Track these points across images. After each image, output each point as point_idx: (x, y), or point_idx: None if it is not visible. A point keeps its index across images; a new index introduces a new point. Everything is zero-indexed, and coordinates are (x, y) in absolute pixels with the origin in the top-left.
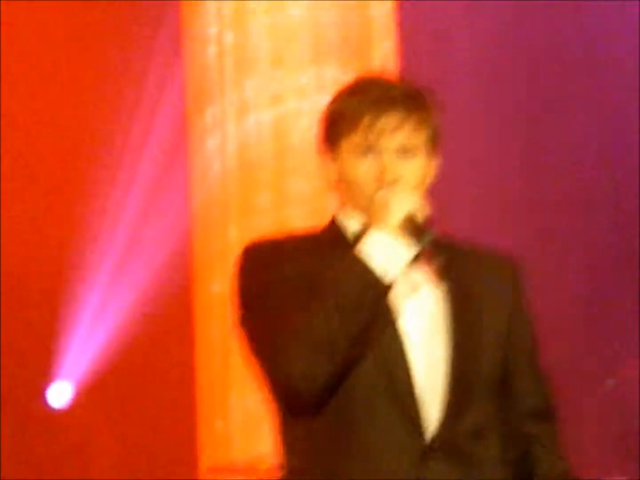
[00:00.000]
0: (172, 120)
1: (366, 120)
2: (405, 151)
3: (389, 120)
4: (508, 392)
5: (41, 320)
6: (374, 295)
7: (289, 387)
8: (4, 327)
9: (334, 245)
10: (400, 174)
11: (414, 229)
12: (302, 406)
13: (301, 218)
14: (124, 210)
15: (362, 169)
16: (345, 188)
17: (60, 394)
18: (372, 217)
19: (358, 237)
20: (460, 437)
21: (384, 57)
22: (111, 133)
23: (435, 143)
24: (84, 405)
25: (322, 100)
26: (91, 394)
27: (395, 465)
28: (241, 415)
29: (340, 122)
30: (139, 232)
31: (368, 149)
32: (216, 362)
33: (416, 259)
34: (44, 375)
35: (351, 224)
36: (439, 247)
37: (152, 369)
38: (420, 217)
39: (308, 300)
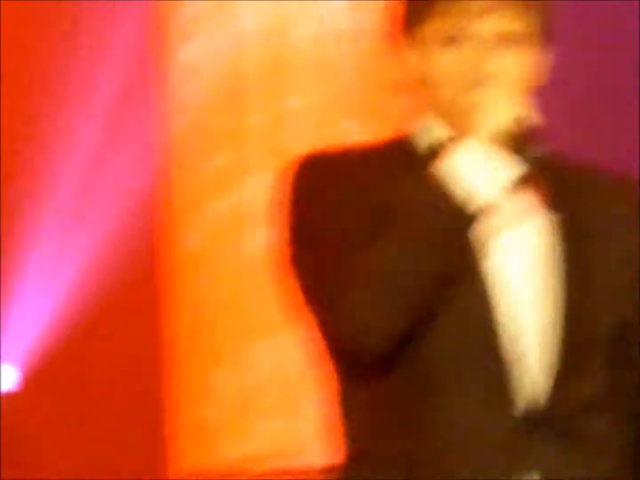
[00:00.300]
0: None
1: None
2: (504, 39)
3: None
4: (628, 360)
5: None
6: (461, 226)
7: (353, 340)
8: None
9: (406, 164)
10: (496, 69)
11: (515, 141)
12: (368, 366)
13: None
14: (74, 148)
15: (446, 61)
16: (424, 88)
17: (4, 378)
18: (458, 126)
19: (437, 152)
20: (571, 413)
21: None
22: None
23: (546, 31)
24: (32, 390)
25: None
26: (40, 377)
27: (490, 449)
28: (221, 403)
29: (419, 5)
30: (92, 179)
31: (453, 35)
32: (189, 338)
33: (517, 181)
34: None
35: (428, 136)
36: (548, 167)
37: (111, 347)
38: (524, 125)
39: (375, 235)
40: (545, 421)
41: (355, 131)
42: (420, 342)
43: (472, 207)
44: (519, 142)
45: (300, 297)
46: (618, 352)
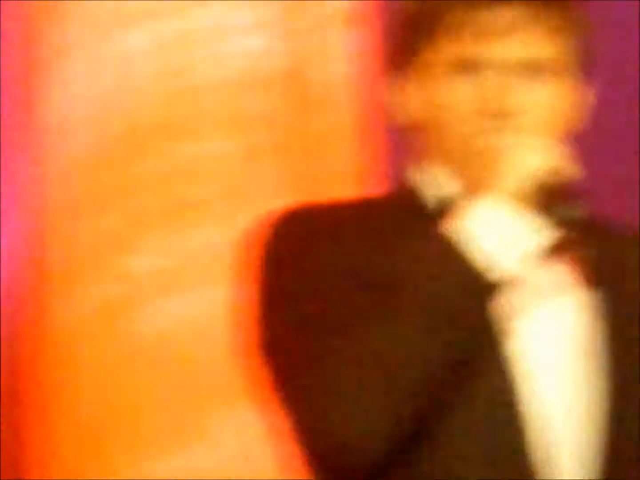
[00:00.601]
0: None
1: (459, 16)
2: (531, 68)
3: (501, 17)
4: None
5: None
6: (479, 301)
7: (346, 450)
8: None
9: (409, 224)
10: (521, 104)
11: (545, 198)
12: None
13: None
14: None
15: (457, 94)
16: (428, 130)
17: None
18: (471, 177)
19: (447, 210)
20: None
21: None
22: None
23: (582, 59)
24: None
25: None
26: None
27: None
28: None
29: (421, 24)
30: None
31: (467, 62)
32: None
33: (548, 248)
34: None
35: (435, 190)
36: (587, 231)
37: None
38: (557, 178)
39: (375, 314)
40: None
41: (267, 186)
42: (428, 448)
43: (491, 279)
44: (550, 199)
45: (269, 390)
46: None
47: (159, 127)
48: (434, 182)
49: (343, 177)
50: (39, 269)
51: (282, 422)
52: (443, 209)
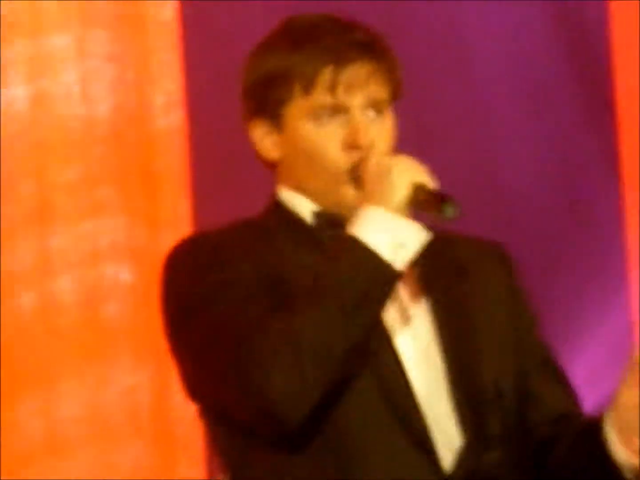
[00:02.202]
0: None
1: (327, 73)
2: (375, 107)
3: (357, 67)
4: (529, 403)
5: None
6: (382, 288)
7: (269, 408)
8: None
9: (290, 229)
10: (376, 135)
11: (427, 201)
12: (284, 434)
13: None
14: None
15: (326, 135)
16: (298, 163)
17: None
18: (367, 192)
19: (327, 220)
20: (482, 464)
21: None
22: None
23: (397, 94)
24: None
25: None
26: None
27: None
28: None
29: (285, 81)
30: None
31: (333, 109)
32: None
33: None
34: None
35: (302, 205)
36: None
37: None
38: (430, 188)
39: (274, 305)
40: (465, 476)
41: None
42: (336, 411)
43: (394, 269)
44: (421, 206)
45: (190, 375)
46: (520, 397)
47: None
48: (303, 202)
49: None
50: None
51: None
52: (322, 221)
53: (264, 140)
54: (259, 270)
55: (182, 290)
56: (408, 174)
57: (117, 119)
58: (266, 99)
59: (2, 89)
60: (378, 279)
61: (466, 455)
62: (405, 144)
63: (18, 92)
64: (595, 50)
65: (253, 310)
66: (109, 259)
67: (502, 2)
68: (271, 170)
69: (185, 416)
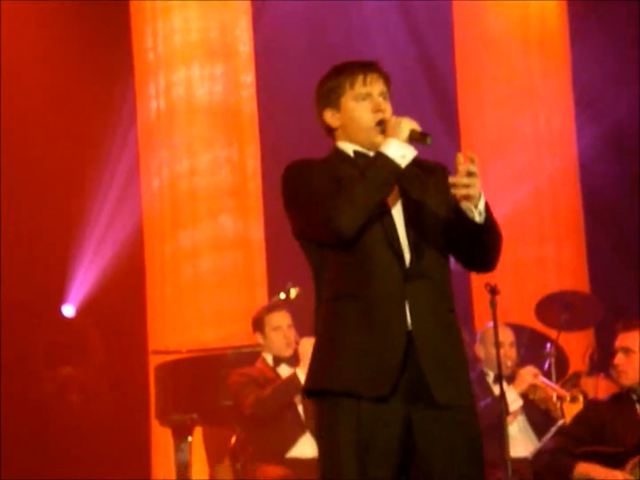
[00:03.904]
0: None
1: (360, 77)
2: (383, 95)
3: (373, 75)
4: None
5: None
6: (395, 175)
7: (338, 230)
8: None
9: (341, 159)
10: (386, 109)
11: (417, 137)
12: (342, 242)
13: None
14: (104, 206)
15: (364, 107)
16: (348, 126)
17: (68, 310)
18: (388, 133)
19: (361, 154)
20: (426, 265)
21: None
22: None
23: (390, 96)
24: (80, 315)
25: None
26: (85, 309)
27: (391, 284)
28: (189, 311)
29: (340, 85)
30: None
31: (365, 95)
32: (167, 273)
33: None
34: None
35: (348, 148)
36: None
37: (118, 292)
38: (418, 130)
39: (340, 183)
40: (415, 271)
41: None
42: (364, 233)
43: (399, 170)
44: (419, 136)
45: (300, 224)
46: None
47: None
48: (350, 146)
49: None
50: None
51: None
52: (359, 154)
53: (332, 118)
54: (329, 178)
55: (291, 184)
56: (409, 124)
57: None
58: (332, 95)
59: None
60: (392, 171)
61: (415, 256)
62: None
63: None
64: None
65: (328, 193)
66: None
67: None
68: (331, 135)
69: None
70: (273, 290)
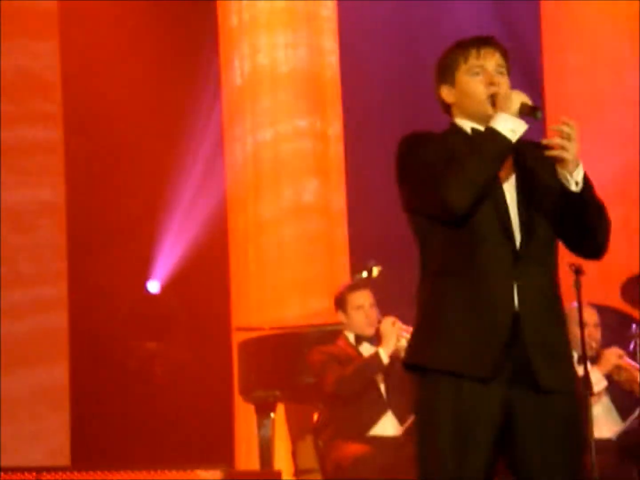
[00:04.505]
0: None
1: (474, 51)
2: (500, 69)
3: (487, 49)
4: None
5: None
6: (506, 149)
7: (449, 206)
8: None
9: (457, 134)
10: (500, 81)
11: (527, 111)
12: (454, 218)
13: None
14: (190, 180)
15: (477, 81)
16: (462, 101)
17: (153, 286)
18: (499, 107)
19: (476, 130)
20: (536, 247)
21: None
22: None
23: (509, 72)
24: (165, 291)
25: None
26: (169, 285)
27: (499, 264)
28: (272, 287)
29: (455, 60)
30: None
31: (478, 69)
32: (250, 251)
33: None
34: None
35: (466, 125)
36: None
37: (202, 268)
38: (530, 104)
39: (453, 158)
40: (525, 253)
41: None
42: (475, 210)
43: (509, 144)
44: (529, 110)
45: (411, 197)
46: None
47: None
48: (466, 122)
49: None
50: None
51: None
52: (475, 130)
53: (447, 94)
54: (444, 153)
55: (406, 157)
56: (519, 97)
57: None
58: (447, 71)
59: None
60: (504, 145)
61: (526, 239)
62: None
63: None
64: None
65: (439, 163)
66: None
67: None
68: (447, 112)
69: None
70: (355, 261)
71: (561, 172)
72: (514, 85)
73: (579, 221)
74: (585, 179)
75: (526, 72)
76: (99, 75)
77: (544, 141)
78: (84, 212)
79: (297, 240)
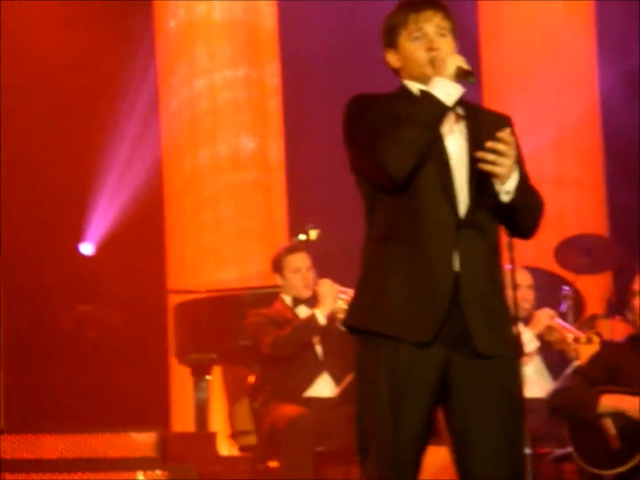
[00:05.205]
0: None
1: (412, 16)
2: (442, 31)
3: (427, 13)
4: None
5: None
6: (441, 114)
7: (388, 173)
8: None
9: (406, 96)
10: (440, 45)
11: (462, 74)
12: (393, 185)
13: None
14: (124, 141)
15: (417, 46)
16: (407, 65)
17: (86, 248)
18: (434, 71)
19: (422, 90)
20: (480, 217)
21: None
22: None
23: (455, 31)
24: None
25: None
26: (104, 247)
27: (442, 231)
28: (208, 248)
29: (396, 25)
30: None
31: (418, 34)
32: (186, 208)
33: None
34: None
35: (414, 87)
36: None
37: (138, 229)
38: (466, 67)
39: (398, 122)
40: (468, 220)
41: None
42: (415, 175)
43: (447, 105)
44: (464, 73)
45: (355, 161)
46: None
47: None
48: (412, 85)
49: None
50: None
51: None
52: (422, 91)
53: (393, 58)
54: (391, 116)
55: (351, 120)
56: (455, 61)
57: None
58: (390, 36)
59: None
60: (439, 110)
61: (471, 207)
62: None
63: None
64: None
65: (383, 127)
66: None
67: None
68: (397, 75)
69: None
70: (292, 211)
71: (494, 181)
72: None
73: (510, 220)
74: (522, 179)
75: (461, 43)
76: (33, 35)
77: (478, 154)
78: (15, 171)
79: (234, 192)
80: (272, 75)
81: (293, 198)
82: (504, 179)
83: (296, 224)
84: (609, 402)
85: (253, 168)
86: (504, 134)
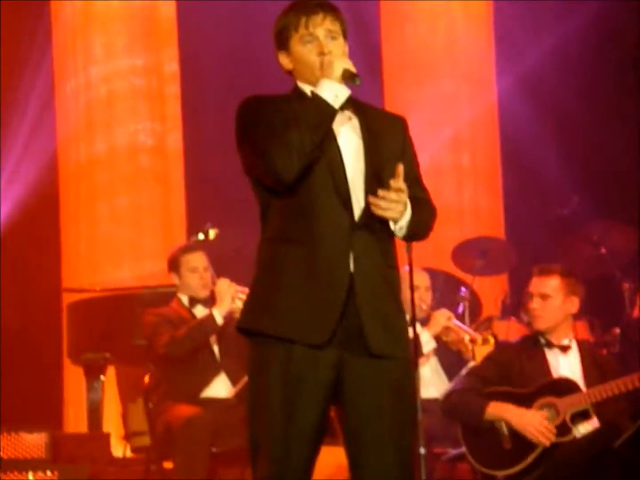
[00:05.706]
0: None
1: (303, 19)
2: (332, 34)
3: (317, 17)
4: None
5: None
6: (328, 116)
7: (275, 174)
8: None
9: (299, 98)
10: (331, 48)
11: (349, 76)
12: (282, 186)
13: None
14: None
15: (308, 50)
16: (299, 68)
17: None
18: (322, 74)
19: (312, 92)
20: (375, 219)
21: None
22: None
23: (345, 33)
24: None
25: None
26: None
27: (336, 233)
28: (104, 246)
29: (287, 28)
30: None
31: (309, 37)
32: (81, 199)
33: (348, 97)
34: None
35: (307, 88)
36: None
37: (32, 226)
38: (352, 70)
39: (287, 124)
40: (363, 223)
41: None
42: (306, 177)
43: (334, 107)
44: (350, 76)
45: (246, 162)
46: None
47: None
48: (305, 87)
49: None
50: None
51: None
52: (314, 93)
53: (285, 60)
54: (282, 118)
55: (242, 121)
56: (341, 64)
57: None
58: (281, 38)
59: None
60: (326, 112)
61: (366, 206)
62: None
63: None
64: None
65: (272, 129)
66: None
67: None
68: (291, 75)
69: None
70: (190, 204)
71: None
72: (352, 48)
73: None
74: (416, 208)
75: (366, 48)
76: None
77: (370, 199)
78: None
79: (130, 182)
80: (169, 63)
81: (192, 190)
82: (396, 220)
83: (194, 218)
84: (495, 410)
85: (151, 157)
86: (397, 182)
